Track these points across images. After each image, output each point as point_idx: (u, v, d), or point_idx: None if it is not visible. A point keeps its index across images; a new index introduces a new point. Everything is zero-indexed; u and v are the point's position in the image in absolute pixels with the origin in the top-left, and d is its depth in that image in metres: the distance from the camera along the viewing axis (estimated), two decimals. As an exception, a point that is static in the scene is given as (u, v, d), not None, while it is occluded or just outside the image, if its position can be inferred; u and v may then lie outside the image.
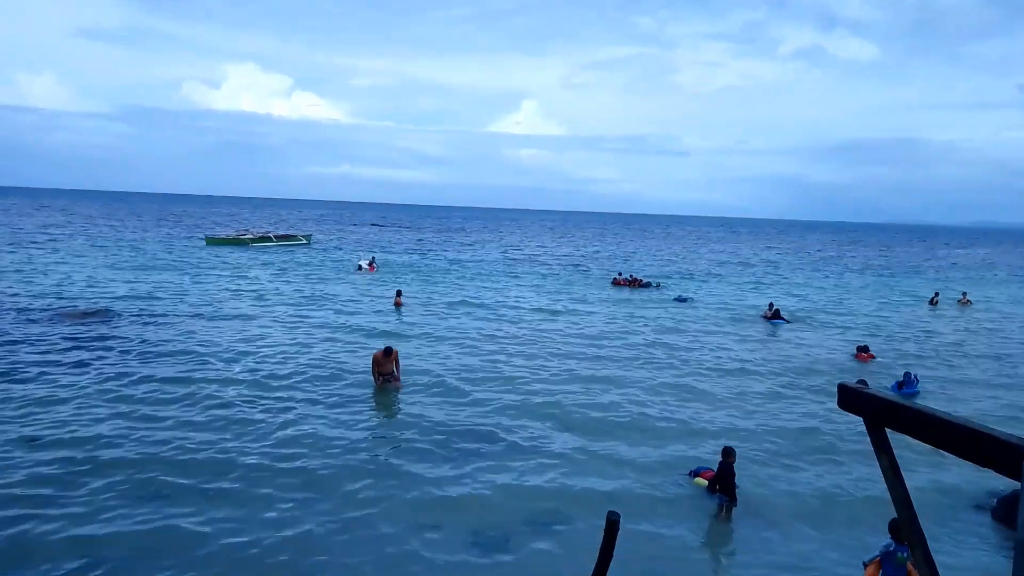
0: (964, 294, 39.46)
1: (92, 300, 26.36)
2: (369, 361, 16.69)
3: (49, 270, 34.96)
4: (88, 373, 16.16)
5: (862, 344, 22.88)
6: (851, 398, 3.19)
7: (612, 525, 4.42)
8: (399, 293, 29.55)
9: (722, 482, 10.57)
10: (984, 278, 58.50)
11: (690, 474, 11.48)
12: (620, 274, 43.39)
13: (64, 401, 14.11)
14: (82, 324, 21.78)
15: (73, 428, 12.61)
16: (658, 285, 40.40)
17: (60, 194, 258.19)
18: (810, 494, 11.25)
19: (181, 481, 10.62)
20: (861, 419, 3.17)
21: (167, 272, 36.93)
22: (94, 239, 57.05)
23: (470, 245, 74.84)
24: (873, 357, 21.75)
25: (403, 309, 27.79)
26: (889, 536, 8.02)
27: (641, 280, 41.12)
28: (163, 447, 11.92)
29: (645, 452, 12.79)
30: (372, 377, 16.09)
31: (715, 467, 11.02)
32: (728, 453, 10.72)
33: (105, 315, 23.50)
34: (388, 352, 16.05)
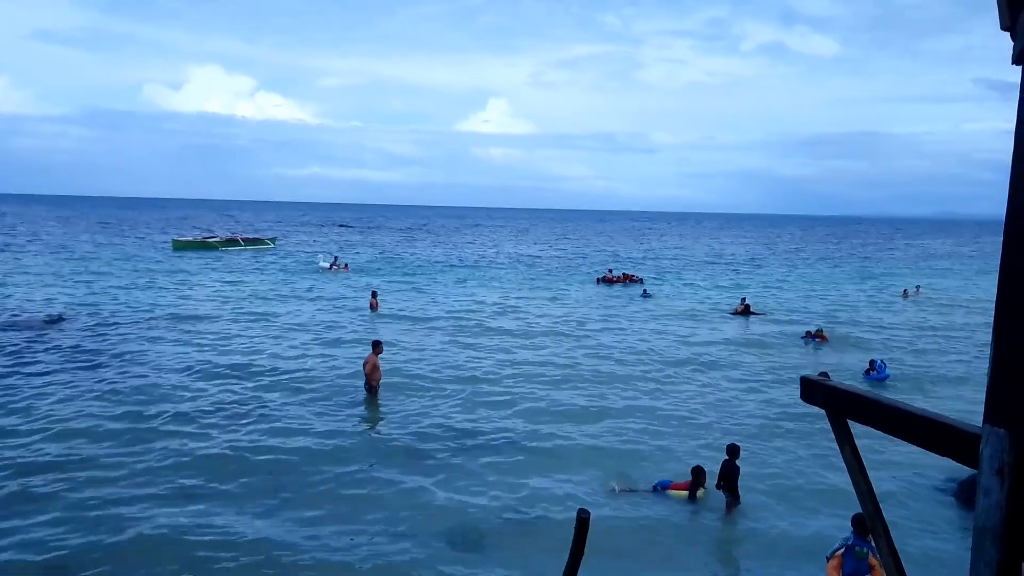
0: (918, 287, 40.53)
1: (53, 307, 25.75)
2: (345, 363, 16.44)
3: (7, 278, 34.08)
4: (51, 381, 15.79)
5: (816, 328, 23.83)
6: (813, 391, 3.22)
7: (583, 523, 4.41)
8: (375, 295, 29.19)
9: (726, 479, 10.55)
10: (953, 270, 59.78)
11: (655, 489, 11.02)
12: (611, 271, 43.20)
13: (19, 410, 13.76)
14: (43, 332, 21.27)
15: (28, 438, 12.30)
16: (641, 280, 40.61)
17: (21, 199, 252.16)
18: (779, 491, 11.38)
19: (148, 489, 10.43)
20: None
21: (133, 277, 36.19)
22: (57, 245, 55.74)
23: (443, 245, 74.57)
24: (825, 339, 22.81)
25: (378, 311, 27.51)
26: (851, 529, 7.97)
27: (633, 276, 41.22)
28: (129, 452, 11.69)
29: (619, 449, 12.85)
30: (365, 377, 15.45)
31: (677, 479, 11.02)
32: (733, 451, 10.68)
33: (66, 322, 22.98)
34: (377, 348, 15.63)
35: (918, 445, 2.66)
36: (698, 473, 10.76)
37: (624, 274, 41.90)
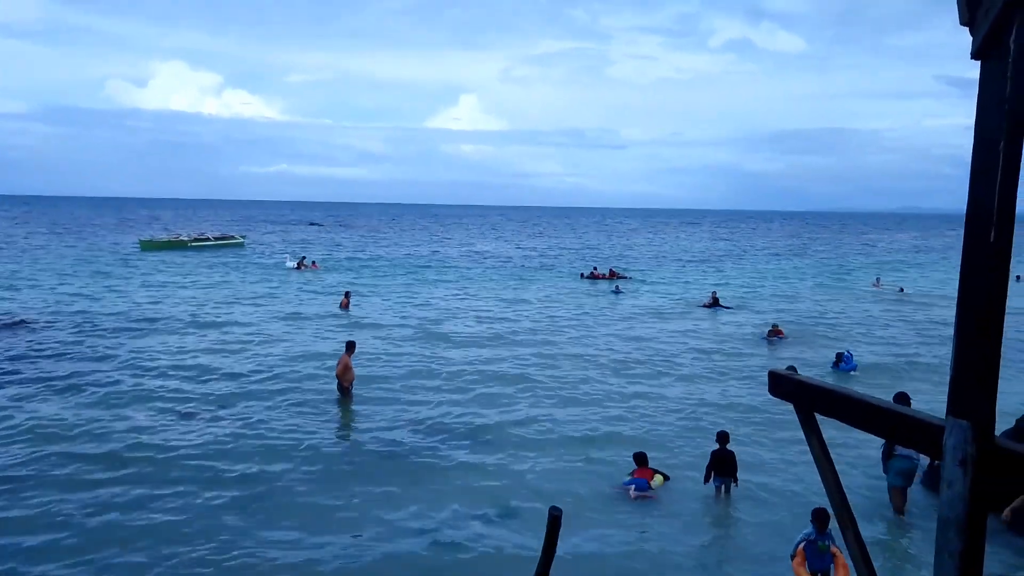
0: (878, 279, 41.48)
1: (12, 311, 25.07)
2: (324, 360, 16.21)
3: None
4: (14, 384, 15.38)
5: (772, 325, 23.61)
6: (781, 384, 3.25)
7: (555, 521, 4.43)
8: (347, 295, 28.81)
9: (722, 466, 10.69)
10: (917, 263, 61.14)
11: (631, 490, 10.79)
12: (595, 268, 43.00)
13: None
14: (7, 337, 20.69)
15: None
16: (630, 277, 40.65)
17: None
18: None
19: (123, 491, 10.22)
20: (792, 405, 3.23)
21: (98, 279, 35.39)
22: (15, 246, 54.29)
23: (415, 243, 74.25)
24: (783, 334, 22.79)
25: (351, 310, 27.24)
26: (811, 524, 8.04)
27: (616, 272, 41.23)
28: (90, 454, 11.45)
29: (595, 442, 12.91)
30: (337, 379, 15.27)
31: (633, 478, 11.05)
32: (724, 438, 10.88)
33: (27, 326, 22.39)
34: (351, 349, 15.45)
35: (884, 437, 2.71)
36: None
37: (611, 270, 41.94)
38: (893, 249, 78.99)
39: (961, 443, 2.30)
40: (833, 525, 7.45)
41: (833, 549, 7.90)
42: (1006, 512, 9.15)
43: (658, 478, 11.06)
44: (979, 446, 2.27)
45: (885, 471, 10.33)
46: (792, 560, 8.07)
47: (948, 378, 2.35)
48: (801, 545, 8.03)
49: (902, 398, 10.67)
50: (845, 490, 3.20)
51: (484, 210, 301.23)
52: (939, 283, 40.63)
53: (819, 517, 7.99)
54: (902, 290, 37.35)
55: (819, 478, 3.23)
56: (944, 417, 2.40)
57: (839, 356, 19.18)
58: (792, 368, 3.50)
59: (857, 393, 2.96)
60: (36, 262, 42.76)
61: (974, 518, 2.31)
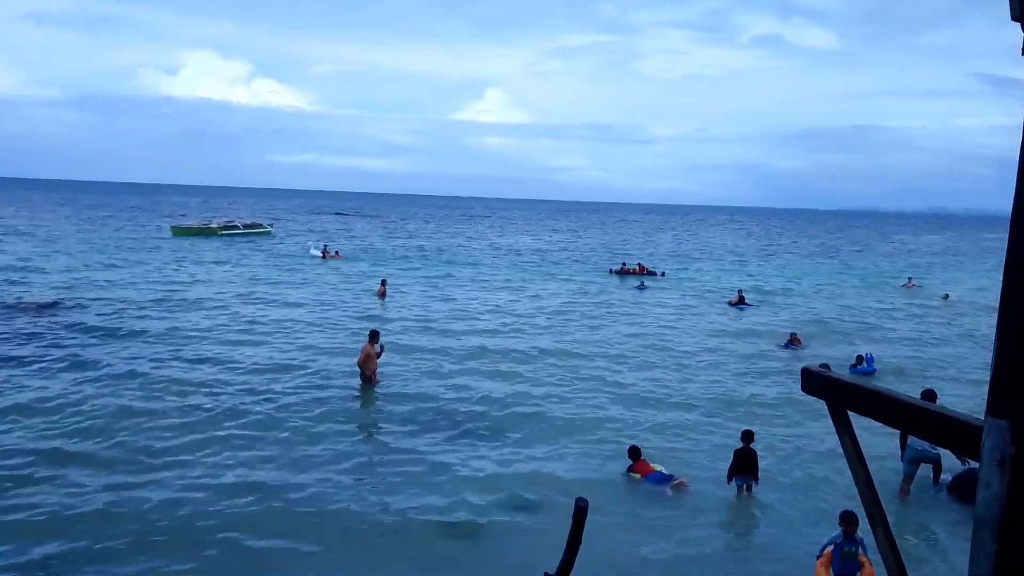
0: (910, 279, 40.68)
1: (48, 293, 25.60)
2: (351, 350, 16.37)
3: (6, 262, 33.79)
4: (49, 366, 15.74)
5: (792, 334, 22.15)
6: (814, 382, 3.22)
7: (580, 511, 4.43)
8: (384, 283, 29.08)
9: (745, 465, 10.65)
10: (948, 264, 60.03)
11: (668, 488, 10.89)
12: (624, 263, 42.65)
13: (21, 391, 13.72)
14: (39, 317, 21.17)
15: (31, 423, 12.28)
16: (663, 273, 40.32)
17: (13, 183, 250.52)
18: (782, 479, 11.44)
19: (154, 465, 10.43)
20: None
21: (135, 263, 36.05)
22: (49, 230, 55.36)
23: (441, 234, 74.48)
24: (799, 343, 21.35)
25: (388, 299, 27.46)
26: (839, 527, 7.90)
27: (646, 268, 40.94)
28: (129, 437, 11.69)
29: (623, 435, 12.89)
30: (359, 368, 15.41)
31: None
32: (748, 436, 10.83)
33: (62, 307, 22.86)
34: (374, 338, 15.55)
35: (920, 437, 2.68)
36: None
37: (641, 265, 41.61)
38: (922, 250, 77.61)
39: (999, 443, 2.27)
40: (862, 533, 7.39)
41: (862, 558, 7.73)
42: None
43: (658, 467, 11.16)
44: (1018, 446, 2.24)
45: (902, 458, 10.84)
46: (816, 560, 7.96)
47: (973, 384, 2.33)
48: (829, 548, 7.90)
49: (928, 395, 10.59)
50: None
51: (506, 203, 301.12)
52: (979, 290, 38.62)
53: (846, 520, 7.79)
54: (947, 297, 34.97)
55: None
56: (982, 417, 2.37)
57: (859, 358, 18.94)
58: (825, 365, 3.47)
59: (891, 391, 2.93)
60: (68, 246, 43.58)
61: (1011, 519, 2.28)
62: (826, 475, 11.15)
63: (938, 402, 10.25)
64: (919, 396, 10.77)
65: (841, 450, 3.24)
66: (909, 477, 10.82)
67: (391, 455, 11.70)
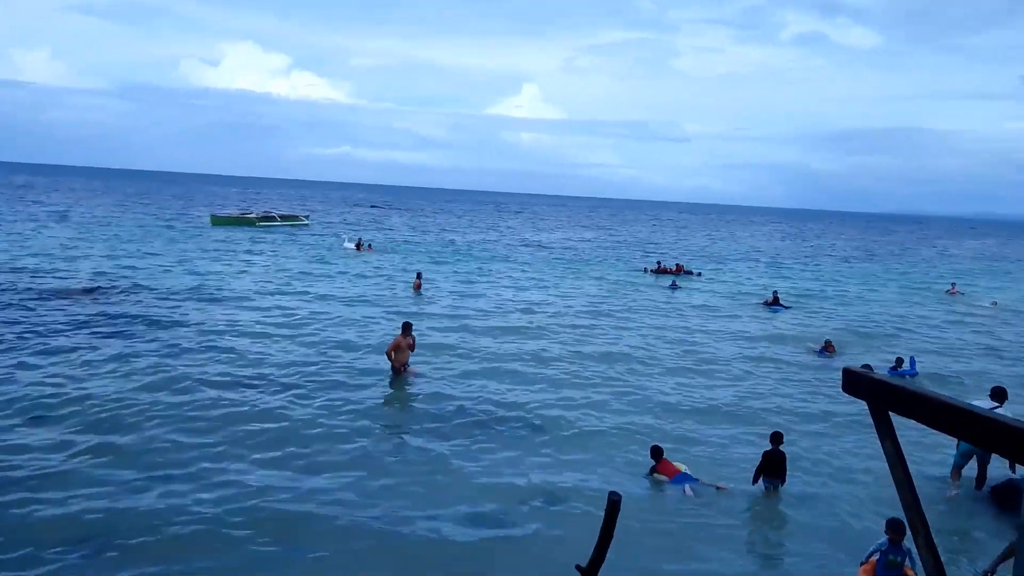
0: (953, 285, 39.65)
1: (90, 278, 26.28)
2: (382, 347, 16.47)
3: (50, 247, 34.81)
4: (89, 351, 16.13)
5: (827, 341, 21.39)
6: (855, 382, 3.19)
7: (613, 506, 4.42)
8: (419, 276, 29.25)
9: (773, 467, 10.54)
10: (995, 270, 58.49)
11: (686, 488, 10.79)
12: (660, 262, 41.93)
13: (68, 378, 14.11)
14: (84, 302, 21.74)
15: (76, 406, 12.64)
16: (699, 274, 39.87)
17: (57, 170, 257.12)
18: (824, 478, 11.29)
19: (189, 461, 10.67)
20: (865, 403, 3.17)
21: (171, 250, 36.91)
22: (93, 217, 56.79)
23: (476, 229, 74.68)
24: (833, 350, 20.71)
25: (424, 293, 27.64)
26: (885, 535, 7.72)
27: (683, 267, 40.50)
28: (163, 427, 11.96)
29: (650, 439, 12.84)
30: (389, 361, 15.47)
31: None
32: (778, 438, 10.71)
33: (103, 292, 23.45)
34: (407, 330, 15.65)
35: (966, 440, 2.63)
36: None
37: (678, 265, 41.08)
38: (967, 256, 75.68)
39: (1050, 448, 2.24)
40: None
41: (907, 569, 7.54)
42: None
43: (682, 467, 11.04)
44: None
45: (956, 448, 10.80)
46: (860, 567, 7.79)
47: (1016, 396, 2.28)
48: (874, 556, 7.72)
49: (998, 394, 10.52)
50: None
51: (537, 199, 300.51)
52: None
53: (893, 528, 7.58)
54: (994, 303, 33.91)
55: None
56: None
57: (899, 360, 18.51)
58: (867, 366, 3.43)
59: (935, 393, 2.88)
60: (108, 232, 44.65)
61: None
62: (853, 490, 10.91)
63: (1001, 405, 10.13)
64: (989, 394, 10.70)
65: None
66: (959, 468, 10.85)
67: (416, 455, 11.58)
